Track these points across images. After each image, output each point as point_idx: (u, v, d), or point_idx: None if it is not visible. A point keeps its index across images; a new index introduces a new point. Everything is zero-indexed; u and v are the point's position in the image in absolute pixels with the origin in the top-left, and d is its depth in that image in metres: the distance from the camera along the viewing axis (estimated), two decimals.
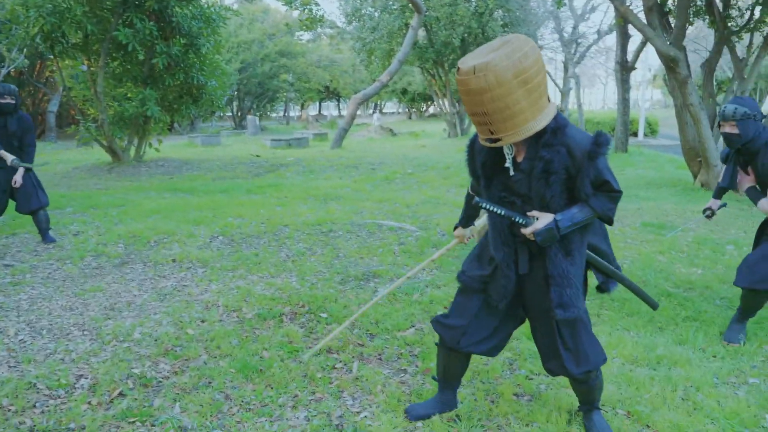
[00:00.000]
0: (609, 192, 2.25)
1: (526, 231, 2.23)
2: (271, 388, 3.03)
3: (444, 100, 21.87)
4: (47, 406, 2.87)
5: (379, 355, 3.44)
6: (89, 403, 2.91)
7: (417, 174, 10.64)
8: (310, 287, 4.55)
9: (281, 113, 45.78)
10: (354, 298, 4.29)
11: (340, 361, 3.34)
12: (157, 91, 12.06)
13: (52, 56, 12.09)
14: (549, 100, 2.16)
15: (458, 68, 2.08)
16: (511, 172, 2.27)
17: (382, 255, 5.33)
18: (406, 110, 47.90)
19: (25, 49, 13.88)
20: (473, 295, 2.57)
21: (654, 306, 2.82)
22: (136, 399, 2.94)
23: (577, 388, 2.57)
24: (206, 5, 12.85)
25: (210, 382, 3.11)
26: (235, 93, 30.98)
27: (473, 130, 22.41)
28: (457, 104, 21.62)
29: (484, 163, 2.35)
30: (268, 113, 40.52)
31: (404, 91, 39.36)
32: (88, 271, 5.03)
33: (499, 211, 2.27)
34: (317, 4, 15.29)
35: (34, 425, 2.70)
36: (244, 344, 3.56)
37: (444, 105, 21.99)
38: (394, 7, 19.45)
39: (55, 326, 3.87)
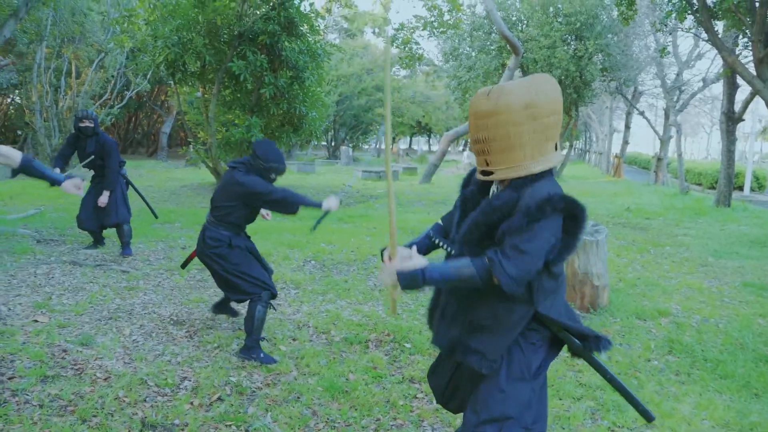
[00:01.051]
0: (518, 252, 1.87)
1: (386, 266, 2.01)
2: (355, 410, 3.19)
3: None
4: (156, 402, 3.17)
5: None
6: (191, 403, 3.18)
7: None
8: (395, 317, 4.70)
9: (373, 145, 46.92)
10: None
11: (422, 392, 3.45)
12: (262, 119, 12.81)
13: (172, 83, 13.18)
14: (557, 149, 2.01)
15: (477, 92, 2.03)
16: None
17: None
18: None
19: (149, 75, 15.17)
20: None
21: (650, 419, 2.22)
22: (232, 405, 3.19)
23: None
24: (313, 41, 13.60)
25: (299, 397, 3.31)
26: (332, 124, 32.15)
27: (565, 172, 21.97)
28: None
29: (466, 197, 2.19)
30: (361, 145, 41.66)
31: None
32: (192, 282, 5.45)
33: (448, 249, 2.15)
34: (417, 43, 15.78)
35: (145, 417, 2.99)
36: (332, 365, 3.74)
37: None
38: (492, 48, 19.68)
39: (163, 330, 4.23)
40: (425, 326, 4.48)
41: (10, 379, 3.31)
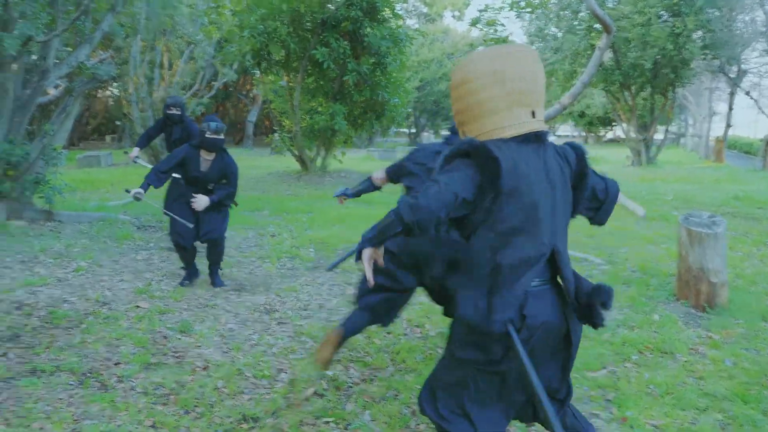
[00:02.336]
0: None
1: None
2: None
3: (629, 126, 20.60)
4: (254, 394, 3.13)
5: None
6: (288, 397, 3.12)
7: None
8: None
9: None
10: None
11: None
12: (345, 106, 12.81)
13: (257, 72, 13.42)
14: (534, 116, 1.91)
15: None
16: None
17: None
18: (582, 134, 45.87)
19: (235, 65, 15.53)
20: None
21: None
22: (330, 400, 3.10)
23: None
24: (395, 26, 13.42)
25: (397, 395, 3.18)
26: (413, 110, 31.94)
27: (660, 157, 20.77)
28: (643, 131, 20.24)
29: None
30: (441, 131, 41.20)
31: (582, 114, 37.74)
32: (284, 271, 5.45)
33: None
34: (502, 25, 15.26)
35: (244, 410, 2.95)
36: (429, 361, 3.59)
37: (628, 130, 20.71)
38: (580, 28, 18.75)
39: (258, 320, 4.23)
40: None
41: (116, 364, 3.38)
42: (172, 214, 4.74)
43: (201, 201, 4.61)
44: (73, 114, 7.63)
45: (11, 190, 6.78)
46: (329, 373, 3.40)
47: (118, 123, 26.09)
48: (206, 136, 4.59)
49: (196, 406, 2.97)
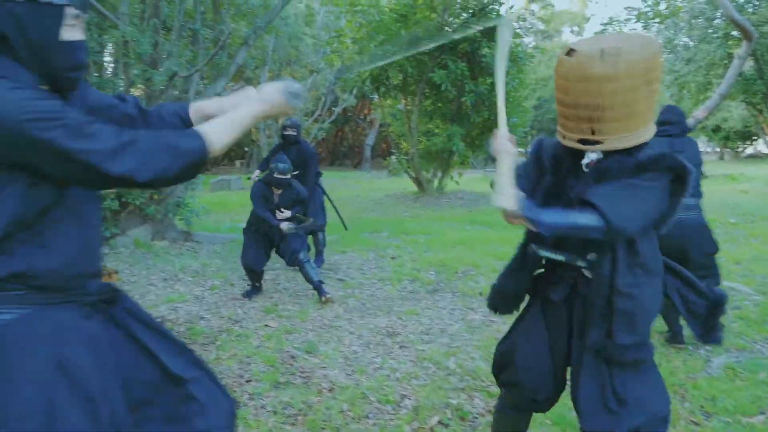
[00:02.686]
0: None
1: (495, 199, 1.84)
2: None
3: None
4: (378, 419, 3.11)
5: None
6: (412, 426, 3.07)
7: (743, 225, 9.20)
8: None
9: None
10: (681, 364, 3.80)
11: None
12: (463, 128, 12.76)
13: (376, 96, 13.76)
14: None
15: (571, 50, 1.81)
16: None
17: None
18: (718, 150, 42.42)
19: (354, 91, 16.05)
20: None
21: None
22: (454, 431, 3.01)
23: None
24: (514, 45, 13.23)
25: None
26: (531, 129, 31.27)
27: None
28: None
29: (556, 165, 2.06)
30: None
31: (717, 129, 34.93)
32: (405, 294, 5.46)
33: (561, 258, 1.98)
34: None
35: None
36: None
37: None
38: (715, 36, 17.45)
39: (380, 342, 4.24)
40: (663, 356, 3.91)
41: (248, 382, 3.52)
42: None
43: (284, 223, 5.22)
44: None
45: (156, 213, 7.40)
46: (453, 401, 3.32)
47: (246, 149, 27.83)
48: (275, 175, 5.18)
49: (323, 428, 3.01)
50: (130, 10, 6.82)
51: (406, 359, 3.94)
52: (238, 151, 30.84)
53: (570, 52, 1.84)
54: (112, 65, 7.84)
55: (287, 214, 5.26)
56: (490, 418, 3.15)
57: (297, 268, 5.27)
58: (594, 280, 1.97)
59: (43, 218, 1.39)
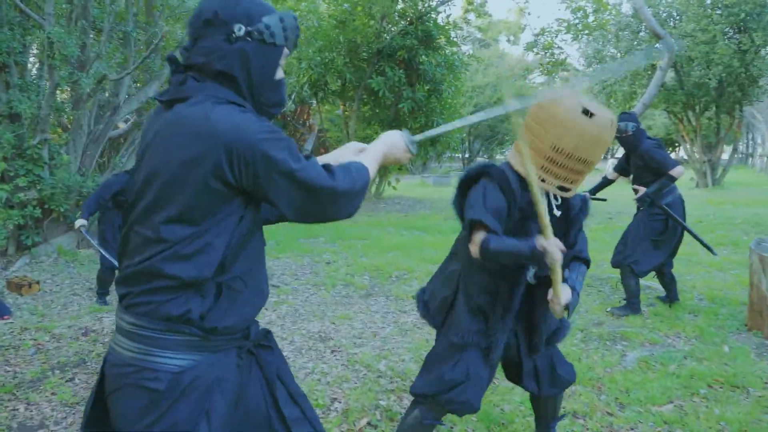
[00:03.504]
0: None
1: (560, 304, 2.04)
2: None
3: (693, 147, 19.87)
4: None
5: (632, 429, 3.12)
6: (342, 427, 3.11)
7: None
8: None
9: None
10: (599, 359, 4.00)
11: (587, 429, 3.11)
12: None
13: (314, 102, 13.74)
14: None
15: (587, 110, 1.99)
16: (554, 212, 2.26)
17: (630, 316, 4.91)
18: None
19: (293, 96, 15.97)
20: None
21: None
22: (383, 431, 3.07)
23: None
24: (450, 53, 13.51)
25: (452, 428, 3.11)
26: (467, 135, 31.89)
27: (727, 179, 19.85)
28: (708, 152, 19.47)
29: (523, 206, 2.20)
30: (496, 156, 40.89)
31: None
32: (338, 298, 5.49)
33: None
34: (559, 48, 15.14)
35: None
36: (485, 394, 3.50)
37: (692, 152, 19.97)
38: (640, 48, 18.35)
39: (313, 347, 4.25)
40: (584, 354, 4.11)
41: None
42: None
43: None
44: None
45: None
46: (383, 403, 3.38)
47: None
48: None
49: None
50: (56, 10, 6.58)
51: (337, 363, 3.98)
52: None
53: (587, 113, 1.99)
54: (37, 67, 7.53)
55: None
56: None
57: None
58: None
59: (236, 260, 1.41)
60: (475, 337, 2.34)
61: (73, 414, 3.15)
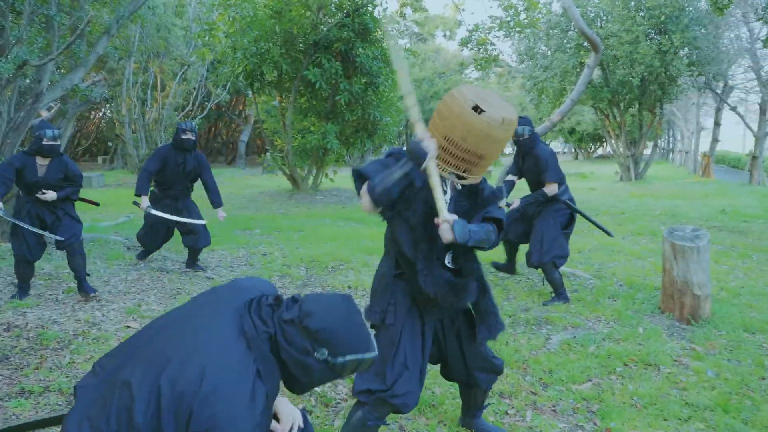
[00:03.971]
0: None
1: (445, 218, 2.20)
2: (444, 425, 3.06)
3: (618, 142, 20.84)
4: None
5: (554, 406, 3.31)
6: None
7: None
8: None
9: None
10: (525, 343, 4.20)
11: (513, 407, 3.27)
12: (337, 126, 12.92)
13: (250, 92, 13.54)
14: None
15: (477, 107, 2.15)
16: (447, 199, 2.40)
17: (555, 300, 5.16)
18: (573, 150, 46.30)
19: (228, 86, 15.66)
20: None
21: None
22: (318, 416, 3.13)
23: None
24: (386, 47, 13.60)
25: (396, 425, 3.21)
26: (404, 128, 32.17)
27: (649, 173, 20.91)
28: (632, 147, 20.46)
29: (420, 189, 2.35)
30: None
31: (572, 131, 38.15)
32: None
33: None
34: (493, 44, 15.47)
35: None
36: None
37: (617, 146, 20.94)
38: (569, 46, 19.03)
39: None
40: (511, 338, 4.29)
41: None
42: (25, 225, 4.82)
43: (49, 194, 4.82)
44: (67, 135, 7.68)
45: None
46: (318, 389, 3.43)
47: (110, 144, 26.15)
48: (44, 143, 4.71)
49: None
50: None
51: None
52: (100, 147, 28.89)
53: (477, 109, 2.15)
54: None
55: (50, 195, 4.83)
56: (352, 402, 3.30)
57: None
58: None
59: None
60: (408, 318, 2.44)
61: None
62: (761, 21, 10.11)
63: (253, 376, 1.57)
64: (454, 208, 2.38)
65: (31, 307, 4.75)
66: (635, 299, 5.18)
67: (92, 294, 4.99)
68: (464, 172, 2.26)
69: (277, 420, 1.88)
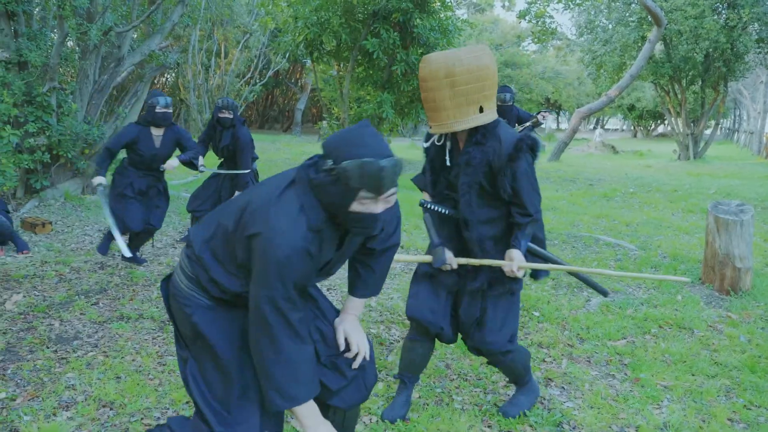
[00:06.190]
0: (520, 208, 2.50)
1: (513, 269, 2.48)
2: (486, 367, 3.40)
3: (678, 120, 20.33)
4: None
5: (588, 358, 3.61)
6: None
7: (639, 194, 10.21)
8: (524, 287, 4.83)
9: None
10: (566, 303, 4.49)
11: (550, 356, 3.60)
12: (393, 95, 13.18)
13: (309, 61, 13.92)
14: (482, 110, 2.40)
15: (423, 65, 2.40)
16: (448, 163, 2.57)
17: (597, 268, 5.40)
18: (632, 128, 45.05)
19: (288, 54, 16.10)
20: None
21: (604, 293, 2.82)
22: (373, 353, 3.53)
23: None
24: (444, 17, 13.69)
25: (434, 352, 3.59)
26: None
27: (709, 153, 20.33)
28: (692, 125, 19.94)
29: (433, 158, 2.66)
30: None
31: (631, 108, 37.12)
32: None
33: (443, 211, 2.60)
34: (551, 17, 15.35)
35: None
36: None
37: (677, 124, 20.44)
38: (632, 20, 18.58)
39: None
40: (553, 298, 4.59)
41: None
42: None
43: (172, 163, 4.87)
44: (143, 98, 8.27)
45: (87, 167, 7.46)
46: (374, 331, 3.84)
47: (174, 108, 27.14)
48: (157, 111, 4.67)
49: None
50: None
51: (333, 299, 4.43)
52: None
53: (425, 62, 2.43)
54: (41, 16, 7.72)
55: (173, 163, 4.90)
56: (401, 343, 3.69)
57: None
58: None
59: None
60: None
61: (102, 330, 3.57)
62: None
63: (298, 206, 1.71)
64: (465, 160, 2.50)
65: (118, 251, 5.31)
66: (677, 270, 5.36)
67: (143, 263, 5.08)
68: (430, 120, 2.50)
69: (348, 347, 2.04)
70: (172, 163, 4.89)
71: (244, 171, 5.42)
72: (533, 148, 2.47)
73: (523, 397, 2.90)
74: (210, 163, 6.27)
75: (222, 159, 5.66)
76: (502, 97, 5.78)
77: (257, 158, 6.06)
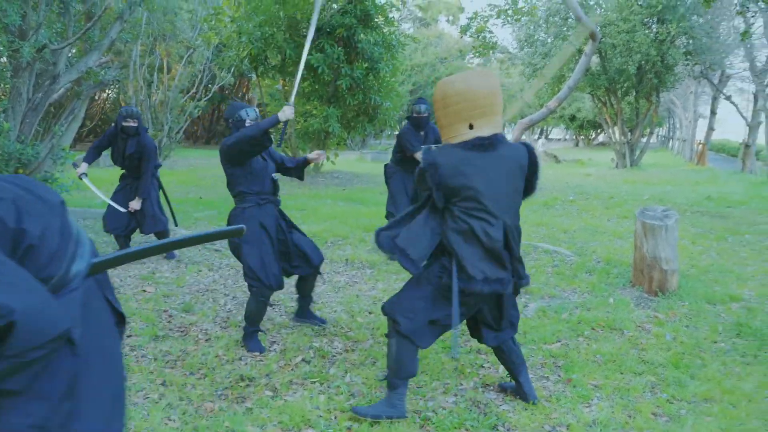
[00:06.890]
0: None
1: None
2: (426, 375, 3.49)
3: (614, 129, 21.17)
4: (249, 361, 3.60)
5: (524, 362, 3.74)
6: (279, 363, 3.60)
7: (578, 202, 10.60)
8: None
9: None
10: None
11: (488, 362, 3.71)
12: (339, 110, 13.28)
13: (254, 76, 13.88)
14: (471, 128, 2.72)
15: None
16: None
17: (535, 275, 5.58)
18: (574, 137, 46.57)
19: (232, 69, 15.99)
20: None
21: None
22: (315, 366, 3.57)
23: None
24: (388, 32, 13.91)
25: (375, 362, 3.66)
26: (405, 113, 32.47)
27: (645, 160, 21.26)
28: (629, 134, 20.80)
29: None
30: None
31: (573, 118, 38.42)
32: None
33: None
34: (491, 32, 15.76)
35: (242, 372, 3.42)
36: None
37: (614, 134, 21.28)
38: (569, 34, 19.31)
39: None
40: None
41: (128, 336, 3.85)
42: (113, 204, 5.70)
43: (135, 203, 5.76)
44: (80, 116, 8.09)
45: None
46: (316, 344, 3.88)
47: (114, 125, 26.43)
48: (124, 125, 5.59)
49: (200, 368, 3.44)
50: None
51: (276, 315, 4.44)
52: (105, 128, 29.15)
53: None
54: None
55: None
56: (347, 355, 3.75)
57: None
58: None
59: None
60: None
61: None
62: (739, 14, 10.40)
63: None
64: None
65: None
66: (610, 274, 5.61)
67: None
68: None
69: None
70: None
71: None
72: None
73: (385, 406, 2.96)
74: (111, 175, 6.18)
75: (124, 169, 5.88)
76: (417, 108, 5.99)
77: (160, 165, 6.23)
